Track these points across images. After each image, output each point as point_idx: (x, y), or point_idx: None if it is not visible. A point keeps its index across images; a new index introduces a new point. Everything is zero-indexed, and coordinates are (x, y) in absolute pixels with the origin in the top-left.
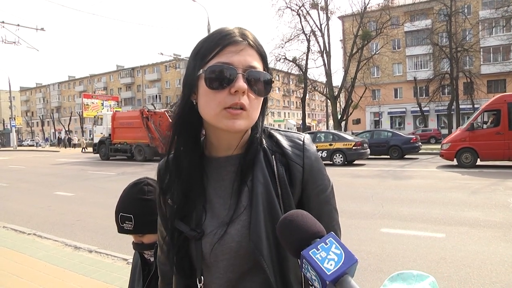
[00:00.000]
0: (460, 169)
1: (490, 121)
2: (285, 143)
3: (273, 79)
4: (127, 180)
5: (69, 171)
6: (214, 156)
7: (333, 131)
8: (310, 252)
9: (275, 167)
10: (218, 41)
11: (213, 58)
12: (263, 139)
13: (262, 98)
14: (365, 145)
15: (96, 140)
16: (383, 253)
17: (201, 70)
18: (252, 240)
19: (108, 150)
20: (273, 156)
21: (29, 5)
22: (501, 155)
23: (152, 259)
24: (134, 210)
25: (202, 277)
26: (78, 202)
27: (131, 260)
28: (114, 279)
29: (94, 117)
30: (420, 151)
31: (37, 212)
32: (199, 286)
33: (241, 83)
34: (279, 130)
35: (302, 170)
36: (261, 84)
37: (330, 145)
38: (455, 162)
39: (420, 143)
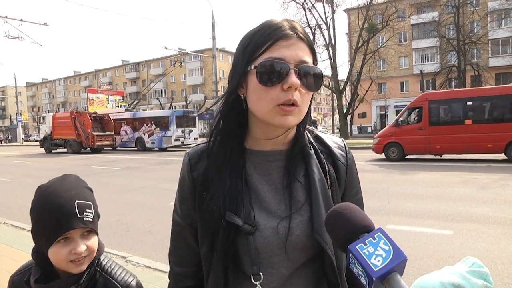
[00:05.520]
0: (388, 162)
1: (414, 117)
2: (331, 143)
3: (323, 73)
4: (131, 175)
5: (73, 166)
6: (258, 149)
7: None
8: (357, 247)
9: (326, 165)
10: (268, 35)
11: (264, 53)
12: (311, 139)
13: (312, 93)
14: None
15: (41, 137)
16: None
17: (252, 65)
18: (317, 232)
19: (49, 144)
20: (322, 155)
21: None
22: (423, 149)
23: None
24: (90, 199)
25: (261, 274)
26: None
27: (129, 258)
28: None
29: (39, 117)
30: None
31: None
32: (258, 285)
33: (294, 79)
34: (321, 131)
35: (346, 170)
36: (312, 79)
37: None
38: (383, 156)
39: None
